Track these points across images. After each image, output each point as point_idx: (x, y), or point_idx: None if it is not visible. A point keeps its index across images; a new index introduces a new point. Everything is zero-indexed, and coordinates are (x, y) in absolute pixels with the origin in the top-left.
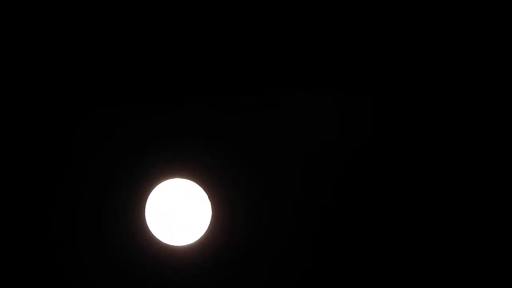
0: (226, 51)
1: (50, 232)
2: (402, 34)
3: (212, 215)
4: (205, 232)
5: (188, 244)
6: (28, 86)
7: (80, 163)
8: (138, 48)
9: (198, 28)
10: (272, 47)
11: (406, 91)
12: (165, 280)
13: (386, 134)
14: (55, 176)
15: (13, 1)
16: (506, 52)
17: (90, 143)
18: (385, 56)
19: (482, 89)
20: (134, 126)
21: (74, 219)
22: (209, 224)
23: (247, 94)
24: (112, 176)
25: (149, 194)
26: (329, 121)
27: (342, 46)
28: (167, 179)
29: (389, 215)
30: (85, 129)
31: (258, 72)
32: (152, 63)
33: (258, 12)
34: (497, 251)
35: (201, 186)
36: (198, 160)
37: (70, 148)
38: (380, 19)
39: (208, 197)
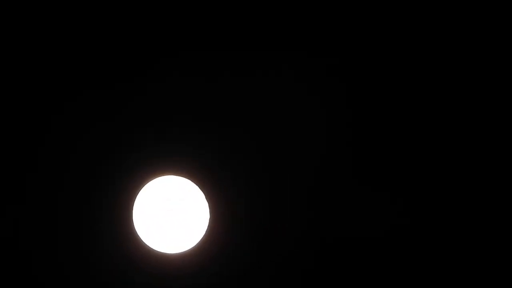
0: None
1: (24, 235)
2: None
3: (210, 218)
4: (202, 238)
5: (183, 252)
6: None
7: (59, 157)
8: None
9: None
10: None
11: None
12: None
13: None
14: (33, 172)
15: None
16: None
17: (70, 135)
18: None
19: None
20: (120, 115)
21: (54, 221)
22: (207, 228)
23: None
24: (94, 173)
25: (137, 193)
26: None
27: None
28: (158, 177)
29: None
30: (65, 118)
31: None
32: (143, 42)
33: None
34: (489, 249)
35: (197, 184)
36: (193, 154)
37: (47, 142)
38: None
39: (206, 197)
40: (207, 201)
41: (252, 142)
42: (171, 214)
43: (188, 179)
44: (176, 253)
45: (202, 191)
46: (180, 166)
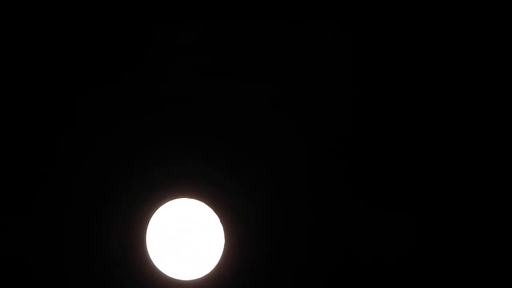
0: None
1: (33, 259)
2: None
3: (225, 242)
4: (218, 264)
5: (198, 279)
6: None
7: (69, 181)
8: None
9: None
10: None
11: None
12: None
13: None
14: (40, 196)
15: None
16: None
17: (78, 155)
18: None
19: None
20: (131, 136)
21: (64, 246)
22: (222, 254)
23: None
24: (104, 196)
25: (150, 217)
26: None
27: None
28: (171, 200)
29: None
30: (71, 136)
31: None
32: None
33: None
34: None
35: (211, 207)
36: (207, 177)
37: (53, 162)
38: None
39: (220, 220)
40: (222, 224)
41: (266, 165)
42: (185, 238)
43: (202, 201)
44: (191, 280)
45: (217, 214)
46: (193, 188)
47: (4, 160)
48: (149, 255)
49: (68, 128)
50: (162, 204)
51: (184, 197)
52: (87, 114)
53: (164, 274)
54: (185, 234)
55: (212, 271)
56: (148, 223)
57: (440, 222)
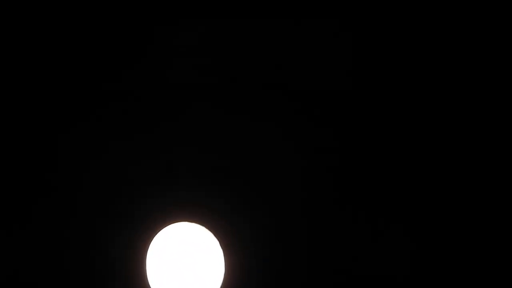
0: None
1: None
2: None
3: (225, 266)
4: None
5: None
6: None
7: (66, 201)
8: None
9: None
10: None
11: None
12: None
13: None
14: (40, 220)
15: None
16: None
17: (77, 178)
18: None
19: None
20: (128, 158)
21: (60, 271)
22: (222, 278)
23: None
24: (104, 221)
25: (150, 242)
26: None
27: None
28: (171, 224)
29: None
30: (70, 160)
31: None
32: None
33: None
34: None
35: (211, 231)
36: (207, 199)
37: (51, 185)
38: None
39: (220, 244)
40: (222, 248)
41: (265, 189)
42: (185, 262)
43: (202, 225)
44: None
45: (217, 237)
46: (193, 211)
47: (3, 181)
48: (148, 281)
49: (67, 151)
50: (162, 229)
51: (184, 221)
52: (84, 135)
53: None
54: (185, 258)
55: None
56: (148, 248)
57: (434, 234)
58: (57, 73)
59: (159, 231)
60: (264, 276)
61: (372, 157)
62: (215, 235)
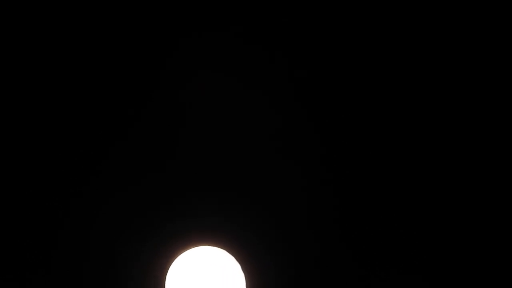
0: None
1: None
2: None
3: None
4: None
5: None
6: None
7: (85, 229)
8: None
9: None
10: None
11: None
12: None
13: None
14: (57, 249)
15: None
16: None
17: (95, 205)
18: None
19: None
20: (148, 183)
21: None
22: None
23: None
24: (123, 246)
25: (170, 265)
26: None
27: None
28: (191, 247)
29: None
30: (91, 185)
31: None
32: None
33: None
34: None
35: (233, 255)
36: (227, 224)
37: (72, 214)
38: None
39: (242, 268)
40: (243, 272)
41: (287, 213)
42: (206, 287)
43: (223, 249)
44: None
45: (238, 261)
46: (214, 235)
47: (18, 215)
48: None
49: (85, 183)
50: (182, 252)
51: (205, 245)
52: (107, 165)
53: None
54: (206, 282)
55: None
56: (167, 271)
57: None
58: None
59: (179, 255)
60: None
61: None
62: (236, 259)
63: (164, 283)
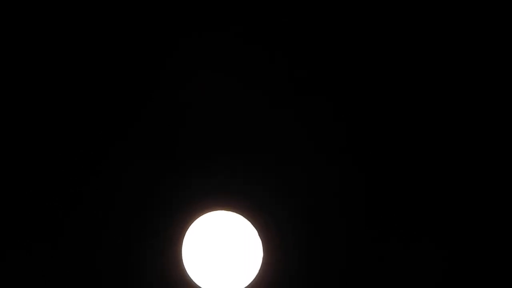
0: None
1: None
2: None
3: (264, 257)
4: (255, 277)
5: None
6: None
7: (105, 192)
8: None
9: None
10: None
11: None
12: None
13: None
14: (76, 209)
15: None
16: None
17: (116, 168)
18: None
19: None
20: (166, 143)
21: (95, 261)
22: (260, 267)
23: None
24: (142, 208)
25: (187, 230)
26: None
27: None
28: (208, 212)
29: None
30: (111, 152)
31: None
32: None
33: None
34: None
35: (250, 221)
36: (246, 188)
37: (89, 178)
38: None
39: (258, 234)
40: (260, 237)
41: (305, 177)
42: (222, 251)
43: (240, 214)
44: None
45: (255, 227)
46: (232, 200)
47: (37, 181)
48: (185, 269)
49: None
50: (199, 217)
51: (222, 209)
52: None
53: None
54: (222, 247)
55: (250, 284)
56: (184, 236)
57: (467, 252)
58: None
59: (196, 219)
60: (300, 265)
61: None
62: (253, 224)
63: (181, 248)
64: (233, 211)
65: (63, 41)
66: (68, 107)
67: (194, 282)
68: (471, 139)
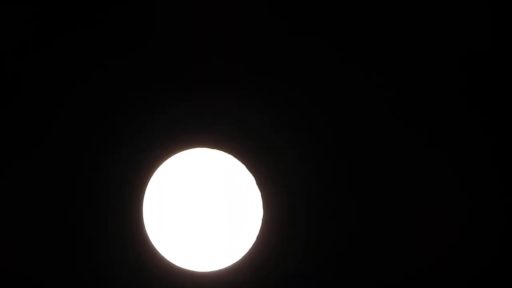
0: None
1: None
2: None
3: (264, 215)
4: (252, 248)
5: (223, 269)
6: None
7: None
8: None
9: None
10: None
11: None
12: None
13: None
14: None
15: None
16: None
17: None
18: None
19: None
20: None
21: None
22: (259, 233)
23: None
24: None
25: (150, 176)
26: None
27: None
28: (185, 149)
29: None
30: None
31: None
32: None
33: None
34: None
35: (244, 163)
36: (238, 120)
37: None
38: None
39: (257, 183)
40: (259, 188)
41: (320, 115)
42: (202, 208)
43: (230, 153)
44: (211, 272)
45: (252, 173)
46: (217, 135)
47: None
48: (147, 234)
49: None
50: (168, 158)
51: (203, 146)
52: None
53: (168, 262)
54: (201, 202)
55: (243, 258)
56: (146, 185)
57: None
58: None
59: (164, 160)
60: (307, 227)
61: None
62: (249, 169)
63: (142, 214)
64: (219, 149)
65: (62, 41)
66: None
67: (160, 254)
68: None
